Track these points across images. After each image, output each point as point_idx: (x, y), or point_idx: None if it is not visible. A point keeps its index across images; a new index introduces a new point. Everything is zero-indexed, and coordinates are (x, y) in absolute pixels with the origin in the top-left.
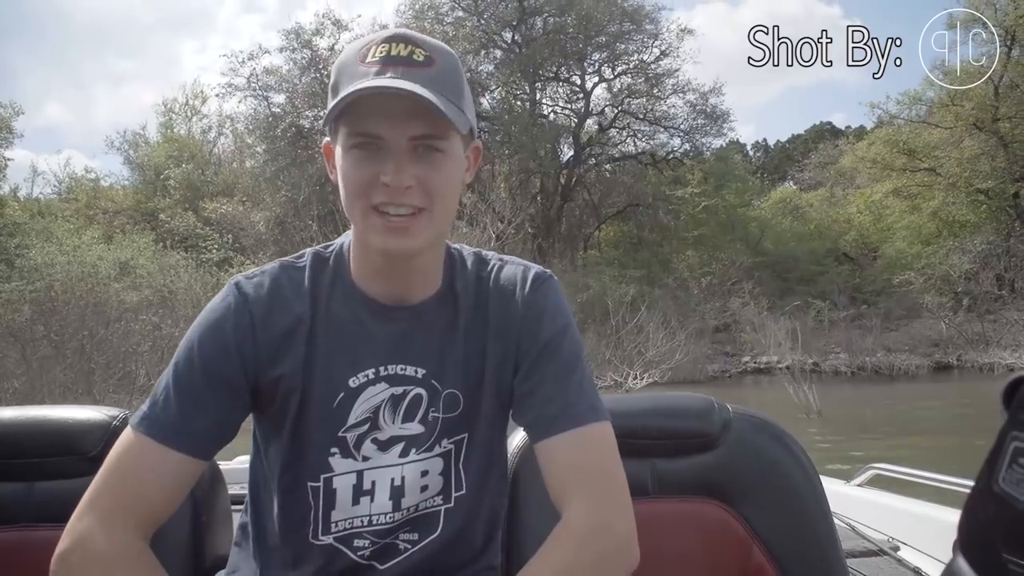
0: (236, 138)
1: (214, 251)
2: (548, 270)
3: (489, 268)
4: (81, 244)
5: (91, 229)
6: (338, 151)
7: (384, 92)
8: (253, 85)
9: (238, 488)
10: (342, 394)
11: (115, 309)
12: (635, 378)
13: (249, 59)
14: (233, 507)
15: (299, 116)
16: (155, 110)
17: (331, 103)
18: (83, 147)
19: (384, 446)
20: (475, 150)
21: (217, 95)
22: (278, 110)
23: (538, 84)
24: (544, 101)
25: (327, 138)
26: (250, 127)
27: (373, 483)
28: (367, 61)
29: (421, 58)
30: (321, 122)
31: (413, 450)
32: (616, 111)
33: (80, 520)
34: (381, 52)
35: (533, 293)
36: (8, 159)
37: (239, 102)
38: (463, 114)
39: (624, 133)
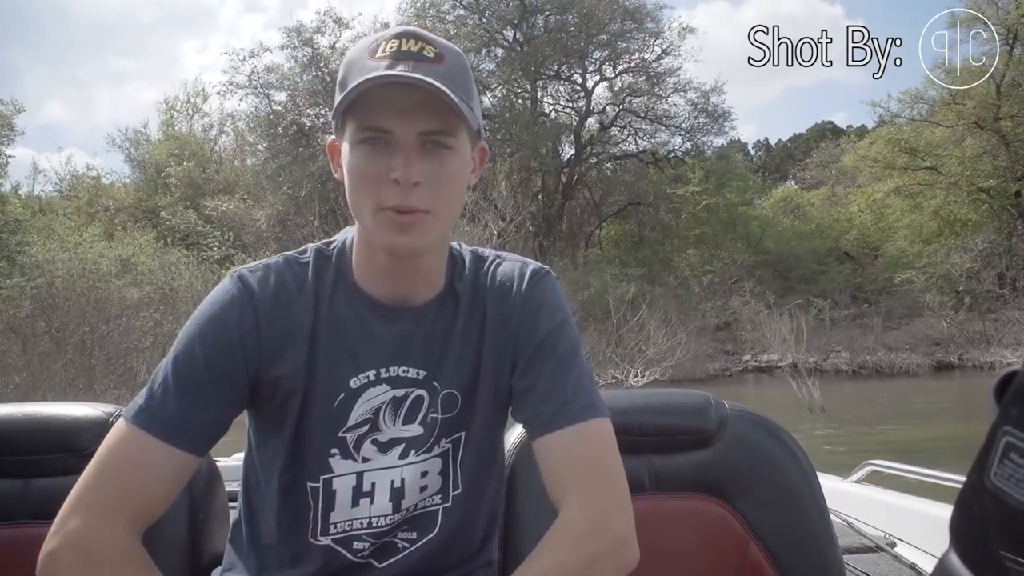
0: (237, 136)
1: (215, 249)
2: (546, 266)
3: (487, 266)
4: (82, 241)
5: (92, 226)
6: (345, 148)
7: (396, 81)
8: (254, 83)
9: (235, 485)
10: (343, 395)
11: (116, 306)
12: (636, 376)
13: (250, 57)
14: (230, 504)
15: (300, 114)
16: (156, 108)
17: (339, 97)
18: (84, 145)
19: (384, 448)
20: (481, 151)
21: (218, 93)
22: (279, 108)
23: (539, 82)
24: (545, 99)
25: (331, 136)
26: (251, 125)
27: (373, 485)
28: (377, 56)
29: (432, 55)
30: (330, 115)
31: (413, 452)
32: (617, 109)
33: (69, 517)
34: (391, 47)
35: (531, 289)
36: (9, 156)
37: (240, 100)
38: (472, 112)
39: (625, 132)
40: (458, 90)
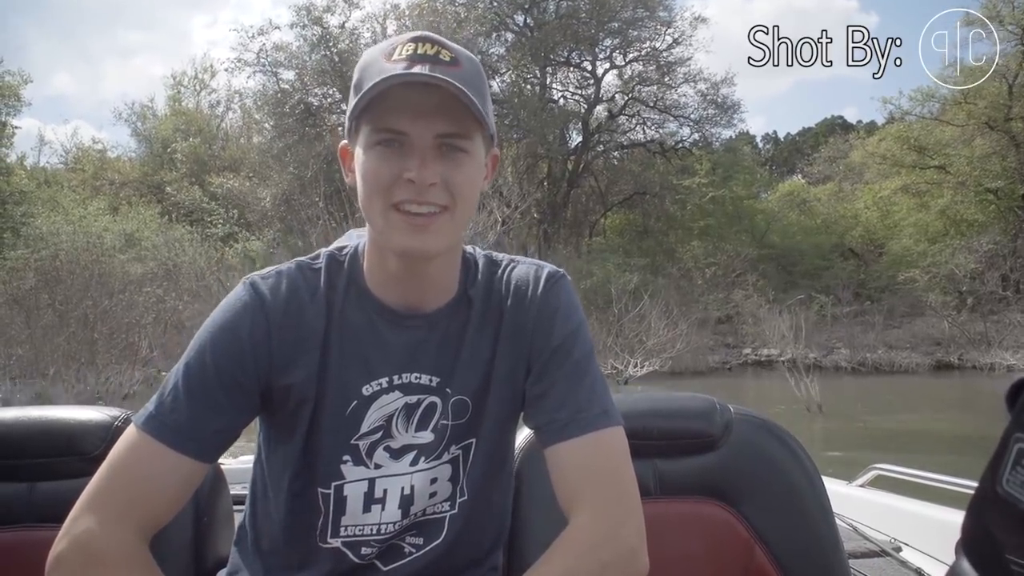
0: (244, 113)
1: (219, 226)
2: (561, 269)
3: (500, 270)
4: (87, 214)
5: (97, 200)
6: (358, 151)
7: (415, 80)
8: (263, 61)
9: (239, 488)
10: (355, 402)
11: (119, 280)
12: (635, 366)
13: (259, 34)
14: (236, 508)
15: (308, 93)
16: (164, 83)
17: (354, 100)
18: (91, 118)
19: (396, 454)
20: (493, 158)
21: (226, 70)
22: (287, 87)
23: (549, 68)
24: (554, 86)
25: (344, 141)
26: (258, 103)
27: (385, 491)
28: (393, 59)
29: (448, 58)
30: (337, 93)
31: (423, 458)
32: (626, 98)
33: (78, 520)
34: (408, 50)
35: (546, 293)
36: (16, 127)
37: (248, 77)
38: (487, 116)
39: (633, 121)
40: (474, 94)
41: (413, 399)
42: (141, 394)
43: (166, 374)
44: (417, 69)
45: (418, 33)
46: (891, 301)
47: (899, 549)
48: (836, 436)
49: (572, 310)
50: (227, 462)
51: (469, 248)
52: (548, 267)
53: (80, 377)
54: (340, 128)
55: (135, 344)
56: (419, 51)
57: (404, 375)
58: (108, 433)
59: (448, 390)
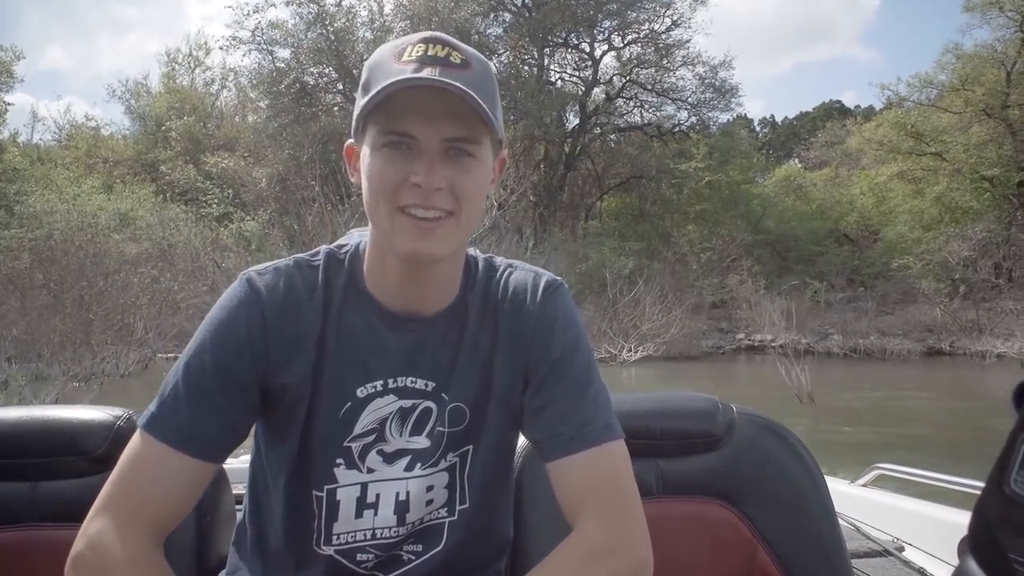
0: (239, 92)
1: (214, 205)
2: (558, 277)
3: (498, 276)
4: (81, 193)
5: (91, 178)
6: (365, 151)
7: (426, 85)
8: (258, 39)
9: (241, 488)
10: (349, 403)
11: (114, 260)
12: (629, 351)
13: (255, 12)
14: (237, 507)
15: (304, 72)
16: (158, 60)
17: (362, 100)
18: (84, 93)
19: (390, 459)
20: (501, 161)
21: (221, 48)
22: (282, 65)
23: (547, 50)
24: (552, 67)
25: (350, 140)
26: (253, 81)
27: (378, 496)
28: (403, 60)
29: (459, 60)
30: (333, 72)
31: (419, 465)
32: (624, 81)
33: (93, 523)
34: (418, 51)
35: (543, 304)
36: (8, 104)
37: (243, 55)
38: (497, 120)
39: (631, 103)
40: (484, 98)
41: (408, 403)
42: (137, 375)
43: (162, 356)
44: (427, 72)
45: (429, 34)
46: (884, 287)
47: (902, 549)
48: (828, 430)
49: (571, 320)
50: (228, 461)
51: (471, 251)
52: (546, 275)
53: (76, 358)
54: (336, 108)
55: (130, 325)
56: (429, 52)
57: (400, 379)
58: (110, 433)
59: (444, 396)
